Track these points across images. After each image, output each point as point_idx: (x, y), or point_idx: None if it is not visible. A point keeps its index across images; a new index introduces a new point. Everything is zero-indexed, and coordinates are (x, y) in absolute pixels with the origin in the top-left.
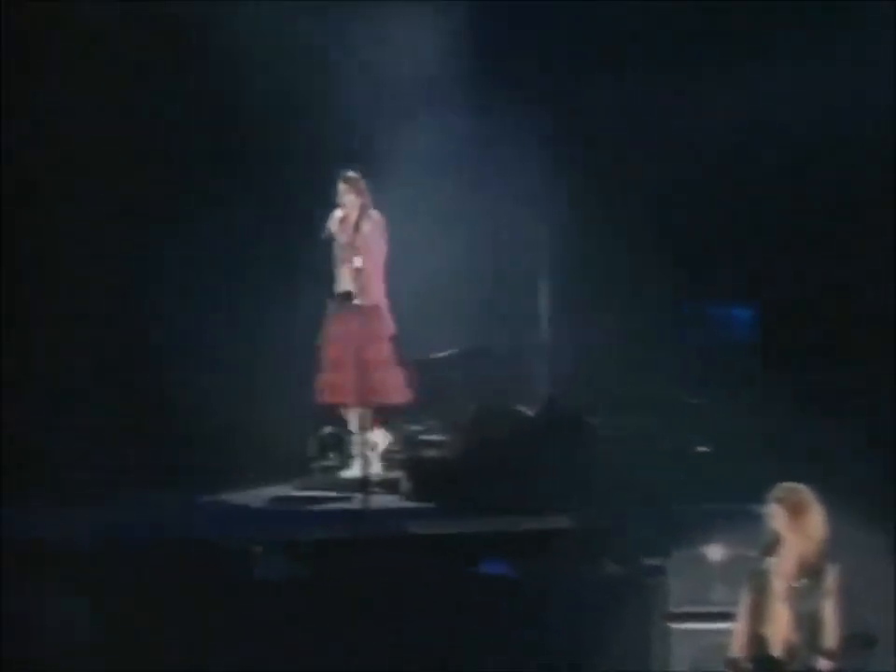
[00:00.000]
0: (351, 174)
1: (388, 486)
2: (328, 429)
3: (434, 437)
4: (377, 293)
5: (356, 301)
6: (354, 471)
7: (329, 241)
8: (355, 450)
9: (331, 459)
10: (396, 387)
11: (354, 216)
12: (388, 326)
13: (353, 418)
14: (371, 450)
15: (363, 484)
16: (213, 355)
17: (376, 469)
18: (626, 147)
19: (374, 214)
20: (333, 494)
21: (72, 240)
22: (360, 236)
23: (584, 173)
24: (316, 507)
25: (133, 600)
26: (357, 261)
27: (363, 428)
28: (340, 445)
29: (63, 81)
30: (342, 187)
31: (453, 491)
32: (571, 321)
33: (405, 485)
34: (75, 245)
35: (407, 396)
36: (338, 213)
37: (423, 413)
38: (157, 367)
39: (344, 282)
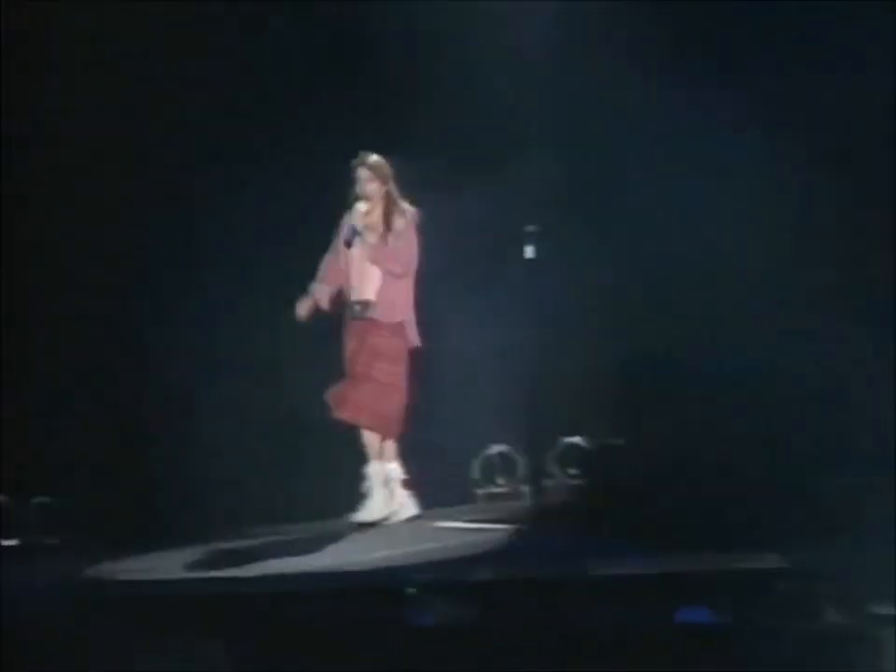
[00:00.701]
0: (373, 157)
1: (563, 516)
2: (496, 449)
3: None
4: (404, 307)
5: (375, 315)
6: (522, 501)
7: (352, 242)
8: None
9: (499, 485)
10: (391, 419)
11: (380, 210)
12: (408, 343)
13: (370, 443)
14: (387, 484)
15: (536, 515)
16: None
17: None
18: None
19: (407, 208)
20: (500, 525)
21: (77, 251)
22: (391, 235)
23: None
24: (481, 540)
25: (277, 645)
26: (393, 266)
27: (379, 457)
28: (510, 468)
29: (69, 78)
30: (362, 174)
31: (644, 522)
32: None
33: (583, 516)
34: (80, 255)
35: (381, 425)
36: (360, 207)
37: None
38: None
39: (366, 289)
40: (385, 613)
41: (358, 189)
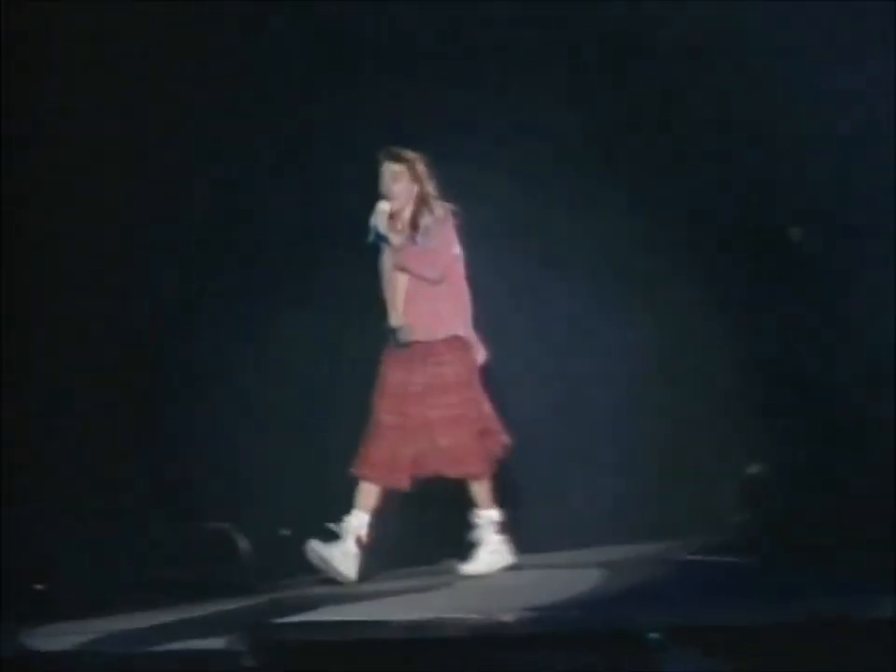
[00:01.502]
0: (403, 150)
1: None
2: (756, 468)
3: None
4: (455, 317)
5: (421, 336)
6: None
7: (377, 247)
8: None
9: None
10: (468, 456)
11: (409, 210)
12: (471, 365)
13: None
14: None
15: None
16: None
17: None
18: None
19: (440, 206)
20: (748, 560)
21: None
22: (420, 234)
23: None
24: (732, 578)
25: None
26: (425, 269)
27: (485, 504)
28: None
29: (80, 76)
30: (388, 168)
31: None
32: None
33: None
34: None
35: (482, 467)
36: (384, 206)
37: None
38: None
39: (397, 308)
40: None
41: (383, 186)
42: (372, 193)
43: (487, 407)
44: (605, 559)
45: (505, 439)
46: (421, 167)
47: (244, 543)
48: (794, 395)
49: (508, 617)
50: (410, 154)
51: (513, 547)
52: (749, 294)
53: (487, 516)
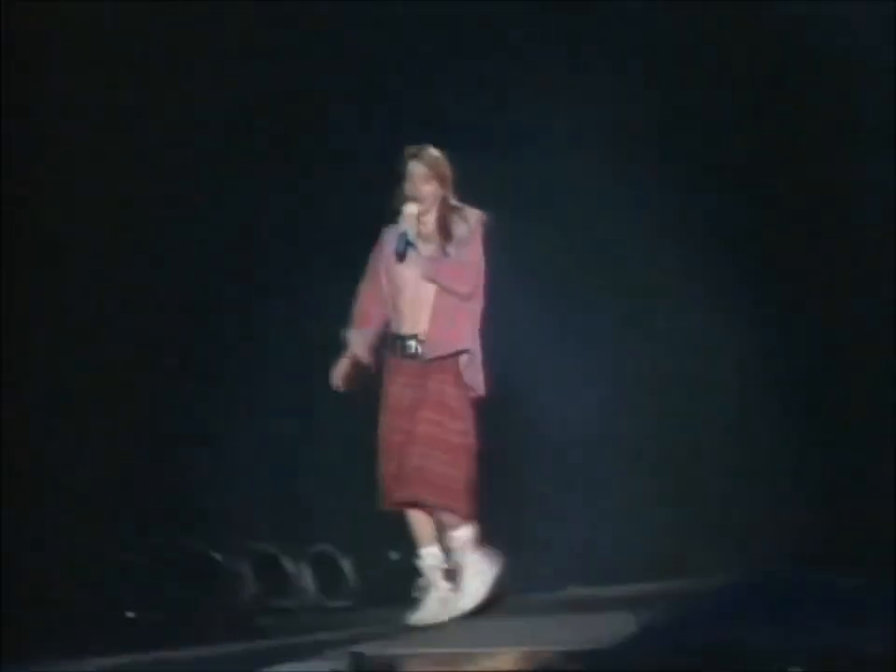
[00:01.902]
0: (429, 150)
1: None
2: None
3: None
4: (471, 341)
5: (438, 352)
6: None
7: (405, 255)
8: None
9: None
10: (439, 485)
11: (435, 214)
12: (472, 390)
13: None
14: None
15: None
16: None
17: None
18: None
19: (471, 213)
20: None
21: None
22: (452, 244)
23: None
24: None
25: None
26: (458, 284)
27: (435, 541)
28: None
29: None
30: (415, 169)
31: None
32: None
33: None
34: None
35: (453, 501)
36: (412, 209)
37: None
38: None
39: (422, 317)
40: None
41: (408, 188)
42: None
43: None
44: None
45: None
46: (447, 168)
47: (348, 566)
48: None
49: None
50: (436, 153)
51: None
52: (782, 335)
53: (460, 536)
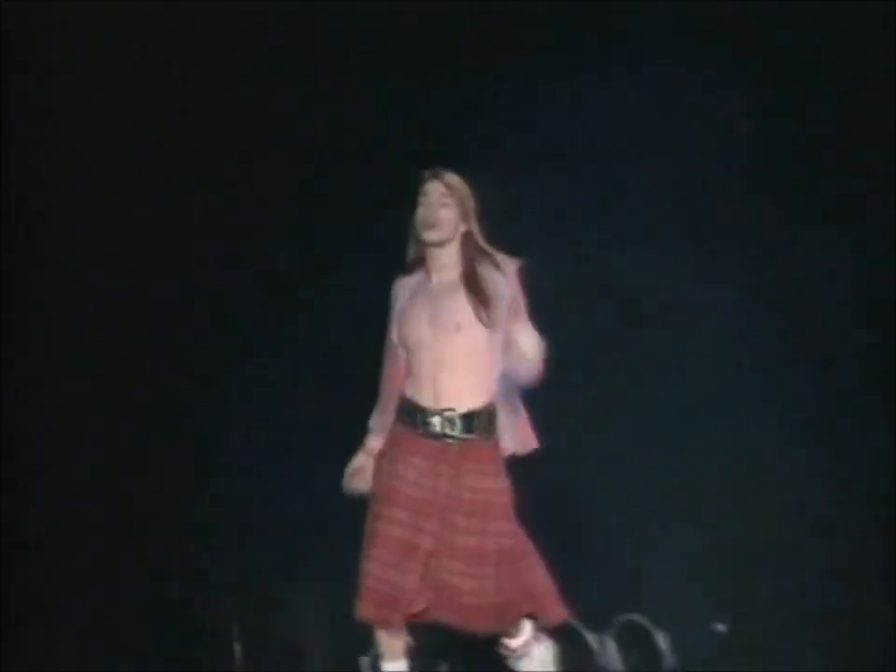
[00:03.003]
0: (451, 175)
1: None
2: None
3: None
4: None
5: (477, 432)
6: None
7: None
8: None
9: None
10: (487, 611)
11: (457, 251)
12: (521, 445)
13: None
14: None
15: None
16: None
17: None
18: None
19: (504, 260)
20: None
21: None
22: (481, 291)
23: None
24: None
25: None
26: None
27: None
28: None
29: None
30: (433, 190)
31: None
32: None
33: None
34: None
35: (502, 623)
36: (431, 235)
37: None
38: None
39: (445, 386)
40: None
41: (423, 213)
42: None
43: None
44: None
45: (560, 612)
46: (470, 199)
47: (663, 640)
48: None
49: None
50: (458, 179)
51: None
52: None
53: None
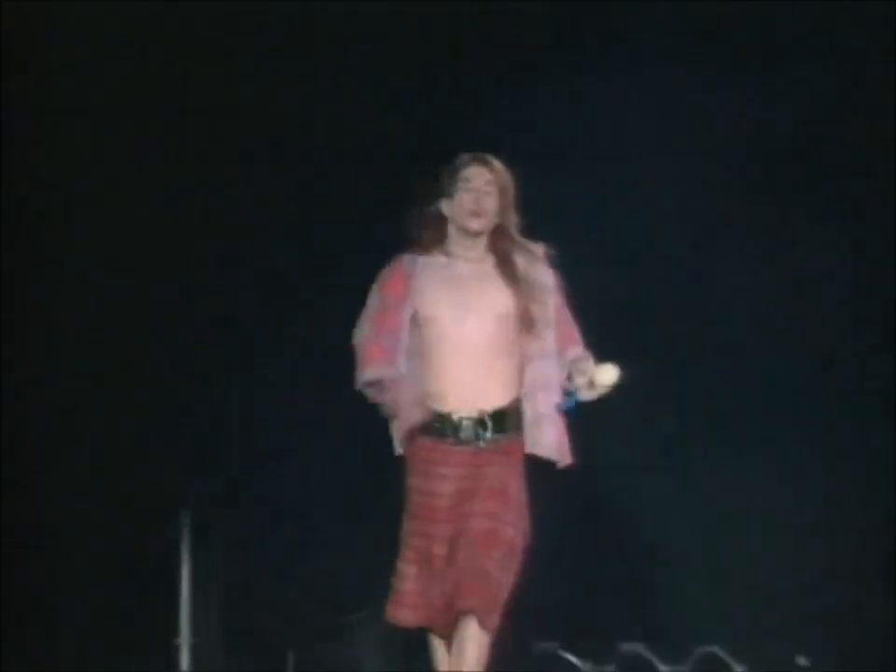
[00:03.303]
0: (492, 160)
1: None
2: None
3: None
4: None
5: (499, 432)
6: None
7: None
8: None
9: None
10: (493, 592)
11: (483, 244)
12: (556, 456)
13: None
14: None
15: None
16: None
17: None
18: None
19: (536, 247)
20: None
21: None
22: (521, 280)
23: None
24: None
25: None
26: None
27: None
28: None
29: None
30: (476, 175)
31: None
32: None
33: None
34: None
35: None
36: (476, 223)
37: None
38: None
39: (475, 390)
40: None
41: (468, 200)
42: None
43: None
44: None
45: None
46: (513, 190)
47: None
48: None
49: None
50: (504, 168)
51: None
52: None
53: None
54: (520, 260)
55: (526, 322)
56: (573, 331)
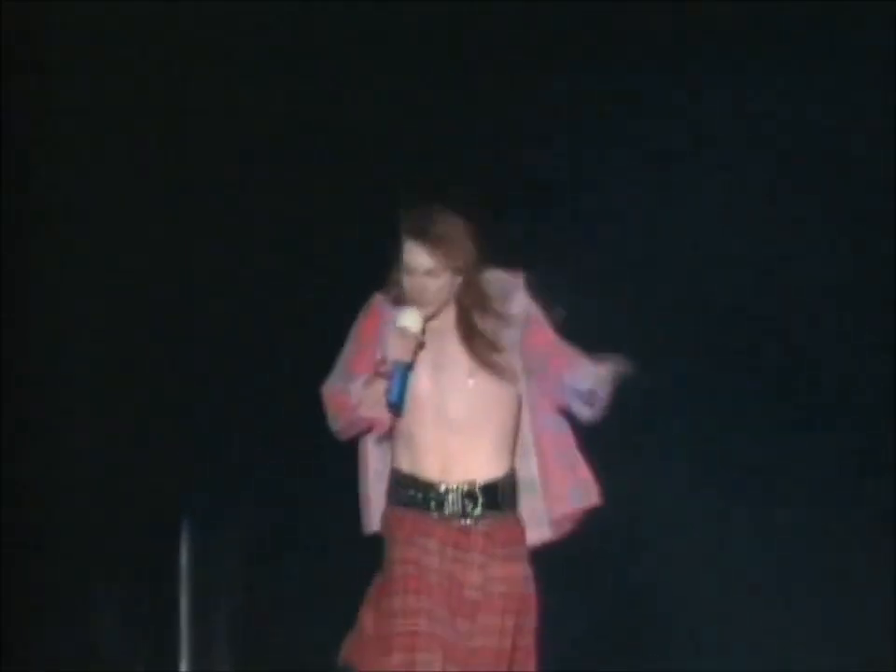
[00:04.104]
0: (432, 229)
1: None
2: None
3: None
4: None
5: (492, 508)
6: None
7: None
8: None
9: None
10: None
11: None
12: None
13: None
14: None
15: None
16: None
17: None
18: None
19: (500, 276)
20: None
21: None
22: (479, 335)
23: None
24: None
25: None
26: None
27: None
28: None
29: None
30: (418, 254)
31: None
32: None
33: None
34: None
35: None
36: (410, 320)
37: None
38: None
39: (461, 450)
40: None
41: (410, 288)
42: None
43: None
44: None
45: None
46: (467, 252)
47: None
48: None
49: None
50: (448, 231)
51: None
52: None
53: None
54: (477, 315)
55: (502, 376)
56: (567, 357)
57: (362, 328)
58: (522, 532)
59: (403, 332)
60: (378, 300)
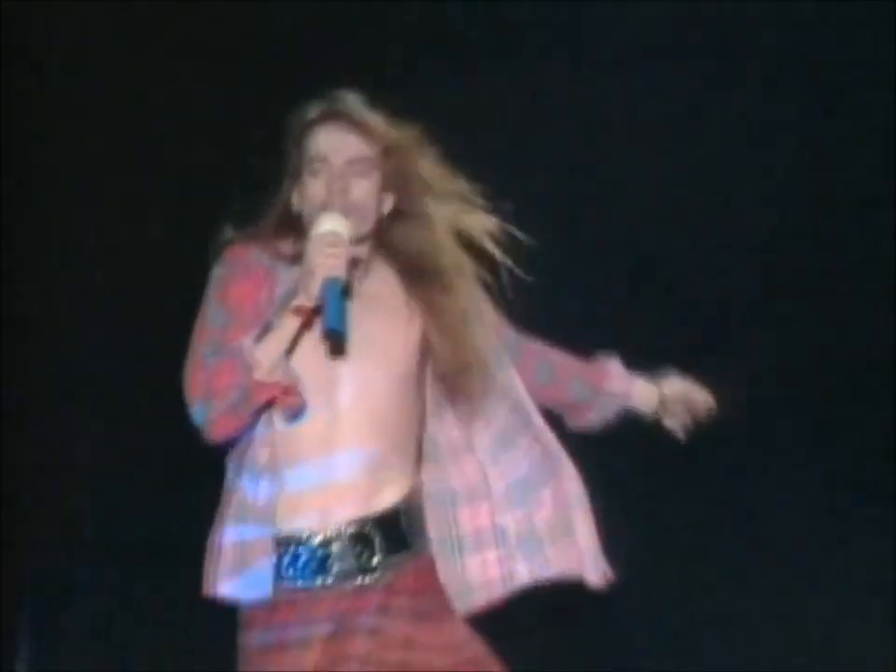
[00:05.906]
0: (360, 110)
1: None
2: None
3: None
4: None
5: (397, 550)
6: None
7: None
8: None
9: None
10: None
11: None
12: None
13: None
14: None
15: None
16: None
17: None
18: None
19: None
20: None
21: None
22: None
23: None
24: None
25: None
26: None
27: None
28: None
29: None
30: (332, 147)
31: None
32: None
33: None
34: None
35: None
36: (332, 225)
37: None
38: None
39: (348, 468)
40: None
41: (317, 189)
42: None
43: None
44: None
45: None
46: (412, 153)
47: None
48: None
49: None
50: (382, 121)
51: None
52: None
53: None
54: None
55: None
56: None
57: (229, 288)
58: (435, 571)
59: (332, 239)
60: (238, 247)
